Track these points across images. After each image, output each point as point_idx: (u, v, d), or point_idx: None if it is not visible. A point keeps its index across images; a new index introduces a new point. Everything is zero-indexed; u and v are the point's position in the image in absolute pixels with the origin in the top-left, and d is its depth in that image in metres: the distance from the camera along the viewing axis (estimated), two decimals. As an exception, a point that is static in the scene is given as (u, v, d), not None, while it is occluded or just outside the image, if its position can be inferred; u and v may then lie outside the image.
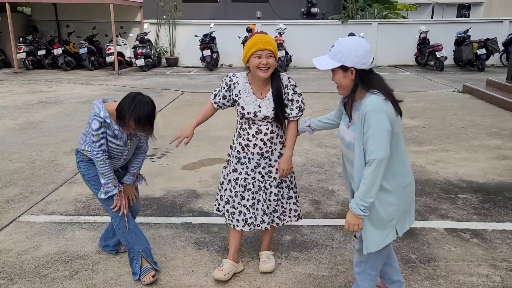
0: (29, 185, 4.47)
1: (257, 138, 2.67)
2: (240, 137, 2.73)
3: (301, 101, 2.70)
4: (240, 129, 2.74)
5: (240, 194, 2.75)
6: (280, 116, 2.64)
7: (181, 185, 4.45)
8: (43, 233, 3.47)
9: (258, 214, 2.76)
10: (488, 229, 3.47)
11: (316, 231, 3.48)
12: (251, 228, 2.78)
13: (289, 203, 2.87)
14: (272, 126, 2.67)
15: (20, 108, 8.26)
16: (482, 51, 13.24)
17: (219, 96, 2.76)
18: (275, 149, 2.73)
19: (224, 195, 2.88)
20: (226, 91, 2.73)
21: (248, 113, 2.64)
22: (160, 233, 3.48)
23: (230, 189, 2.81)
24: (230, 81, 2.71)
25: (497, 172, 4.75)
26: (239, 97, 2.67)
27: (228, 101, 2.76)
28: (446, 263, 2.99)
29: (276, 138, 2.71)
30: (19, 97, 9.45)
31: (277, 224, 2.84)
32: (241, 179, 2.74)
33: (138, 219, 3.70)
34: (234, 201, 2.78)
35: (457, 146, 5.72)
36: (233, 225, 2.81)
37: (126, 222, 2.81)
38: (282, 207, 2.84)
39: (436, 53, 13.55)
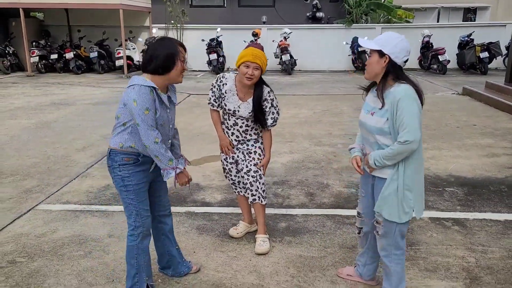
0: (45, 178, 4.81)
1: (234, 129, 3.18)
2: (223, 124, 3.27)
3: (277, 112, 3.16)
4: (223, 118, 3.27)
5: (235, 169, 3.29)
6: (258, 118, 3.09)
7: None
8: (59, 219, 3.79)
9: (245, 184, 3.25)
10: (470, 218, 3.73)
11: (309, 219, 3.76)
12: (247, 196, 3.28)
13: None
14: (247, 121, 3.13)
15: (34, 109, 8.64)
16: (485, 54, 13.41)
17: (213, 98, 3.18)
18: (250, 139, 3.21)
19: (226, 171, 3.39)
20: (218, 91, 3.14)
21: (229, 110, 3.12)
22: (166, 220, 3.78)
23: (225, 167, 3.36)
24: (220, 82, 3.14)
25: (485, 168, 5.00)
26: (225, 96, 3.12)
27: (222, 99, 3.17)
28: (427, 247, 3.25)
29: (251, 131, 3.19)
30: (33, 98, 9.85)
31: (261, 201, 3.22)
32: (229, 157, 3.29)
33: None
34: (230, 175, 3.34)
35: (450, 144, 5.96)
36: (238, 191, 3.38)
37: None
38: (263, 183, 3.22)
39: (439, 56, 13.75)
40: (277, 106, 3.15)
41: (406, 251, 3.16)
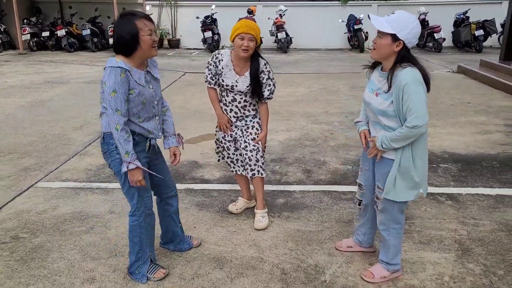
0: (42, 156, 4.83)
1: (232, 105, 3.19)
2: (221, 101, 3.27)
3: (273, 84, 3.18)
4: (221, 95, 3.27)
5: (234, 147, 3.32)
6: (255, 91, 3.10)
7: (184, 157, 4.77)
8: (59, 196, 3.84)
9: (243, 162, 3.30)
10: (463, 193, 3.82)
11: (306, 195, 3.84)
12: (246, 174, 3.30)
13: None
14: (245, 96, 3.15)
15: (27, 88, 8.58)
16: (480, 32, 13.40)
17: (210, 76, 3.19)
18: (249, 114, 3.24)
19: (220, 150, 3.43)
20: (214, 68, 3.15)
21: (227, 85, 3.12)
22: (165, 196, 3.84)
23: (222, 146, 3.38)
24: (216, 59, 3.14)
25: (478, 145, 5.08)
26: (222, 72, 3.13)
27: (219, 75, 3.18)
28: (421, 221, 3.35)
29: (249, 106, 3.21)
30: (26, 77, 9.76)
31: (261, 174, 3.25)
32: (227, 135, 3.28)
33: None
34: (228, 153, 3.37)
35: (444, 122, 6.03)
36: (235, 170, 3.42)
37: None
38: (262, 156, 3.25)
39: (435, 34, 13.72)
40: (273, 78, 3.17)
41: (401, 225, 3.28)
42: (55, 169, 4.46)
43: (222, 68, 3.12)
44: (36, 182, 4.13)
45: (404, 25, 2.20)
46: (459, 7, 15.07)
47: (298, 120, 6.24)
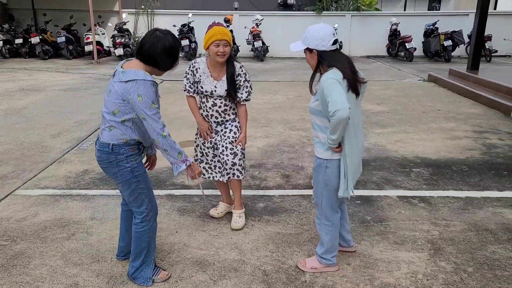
0: (20, 164, 4.77)
1: (213, 110, 3.27)
2: (201, 109, 3.33)
3: (250, 86, 3.30)
4: (201, 102, 3.34)
5: (212, 153, 3.38)
6: (232, 94, 3.21)
7: (164, 163, 4.77)
8: (38, 204, 3.81)
9: (221, 167, 3.40)
10: (434, 196, 4.01)
11: (285, 200, 3.94)
12: (223, 179, 3.40)
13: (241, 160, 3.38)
14: (225, 101, 3.25)
15: (1, 95, 8.41)
16: (449, 42, 13.93)
17: (188, 85, 3.29)
18: (229, 119, 3.33)
19: (198, 157, 3.48)
20: (192, 76, 3.26)
21: (206, 91, 3.23)
22: (146, 203, 3.87)
23: (201, 151, 3.44)
24: (193, 67, 3.27)
25: (448, 150, 5.31)
26: (200, 79, 3.24)
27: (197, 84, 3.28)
28: (396, 223, 3.49)
29: (229, 110, 3.31)
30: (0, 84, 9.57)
31: (237, 176, 3.35)
32: (208, 141, 3.37)
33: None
34: (207, 159, 3.43)
35: (416, 128, 6.27)
36: (213, 177, 3.46)
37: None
38: (239, 159, 3.33)
39: (406, 44, 14.18)
40: (249, 80, 3.29)
41: (376, 226, 3.42)
42: (34, 177, 4.43)
43: (200, 76, 3.23)
44: (14, 190, 4.09)
45: (309, 37, 2.51)
46: (428, 18, 15.64)
47: (276, 127, 6.36)
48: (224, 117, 3.31)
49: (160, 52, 2.40)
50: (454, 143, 5.58)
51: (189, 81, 3.28)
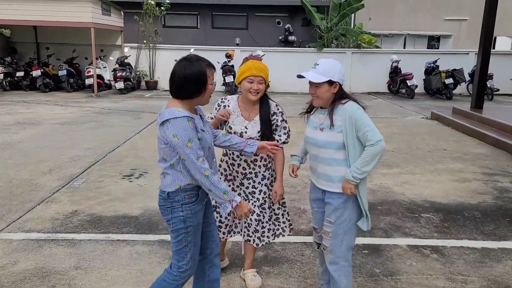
0: (6, 203, 4.51)
1: (241, 159, 2.85)
2: (226, 155, 2.93)
3: (288, 127, 2.92)
4: (226, 150, 2.89)
5: None
6: (267, 136, 2.80)
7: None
8: (20, 249, 3.53)
9: (238, 224, 3.00)
10: (447, 246, 3.72)
11: (287, 248, 3.66)
12: (231, 235, 3.01)
13: (271, 223, 3.01)
14: None
15: (-4, 129, 8.24)
16: (450, 80, 13.93)
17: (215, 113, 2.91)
18: (259, 171, 2.89)
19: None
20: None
21: (235, 133, 2.82)
22: (137, 249, 3.59)
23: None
24: (221, 102, 2.91)
25: (458, 193, 5.06)
26: (230, 117, 2.83)
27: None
28: (407, 277, 3.20)
29: (260, 161, 2.87)
30: (-4, 117, 9.41)
31: (256, 244, 2.95)
32: (234, 184, 2.94)
33: (114, 236, 3.83)
34: (221, 216, 2.94)
35: (423, 169, 6.04)
36: (219, 237, 2.92)
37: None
38: (262, 227, 2.97)
39: (407, 81, 14.19)
40: (287, 120, 2.90)
41: (386, 281, 3.13)
42: (19, 218, 4.15)
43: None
44: (-4, 233, 3.82)
45: (333, 70, 2.45)
46: (429, 56, 15.74)
47: (277, 165, 6.13)
48: (254, 168, 2.87)
49: (183, 78, 2.22)
50: (463, 186, 5.33)
51: (214, 114, 2.88)
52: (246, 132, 2.82)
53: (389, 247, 3.68)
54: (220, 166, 2.98)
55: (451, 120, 9.39)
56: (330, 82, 2.43)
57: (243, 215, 2.31)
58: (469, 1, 21.10)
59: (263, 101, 2.85)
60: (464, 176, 5.75)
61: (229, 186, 2.93)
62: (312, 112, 2.62)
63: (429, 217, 4.36)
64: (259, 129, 2.81)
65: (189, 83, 2.22)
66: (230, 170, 2.93)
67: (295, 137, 7.89)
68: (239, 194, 2.93)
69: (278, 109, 2.88)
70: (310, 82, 2.47)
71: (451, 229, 4.07)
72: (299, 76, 2.52)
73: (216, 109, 2.94)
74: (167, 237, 3.81)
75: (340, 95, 2.48)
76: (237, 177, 2.92)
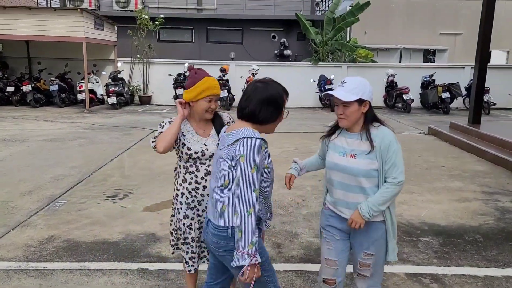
0: (-22, 228, 4.24)
1: (206, 180, 2.61)
2: (186, 182, 2.64)
3: None
4: (185, 173, 2.63)
5: (198, 237, 2.68)
6: None
7: (141, 228, 4.30)
8: (-14, 281, 3.25)
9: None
10: (448, 274, 3.46)
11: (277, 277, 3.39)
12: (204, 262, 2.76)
13: None
14: None
15: (-20, 146, 7.98)
16: (446, 94, 13.80)
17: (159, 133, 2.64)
18: None
19: (178, 243, 2.80)
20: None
21: (196, 153, 2.59)
22: (114, 280, 3.31)
23: (185, 237, 2.69)
24: (169, 123, 2.63)
25: (458, 214, 4.81)
26: (184, 138, 2.61)
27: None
28: (406, 311, 2.94)
29: None
30: (-18, 134, 9.16)
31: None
32: (195, 223, 2.68)
33: (91, 265, 3.56)
34: (192, 246, 2.69)
35: (420, 187, 5.80)
36: (195, 269, 2.73)
37: None
38: None
39: (404, 95, 14.05)
40: None
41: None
42: (-10, 245, 3.88)
43: (183, 134, 2.61)
44: (-38, 262, 3.54)
45: (362, 88, 2.30)
46: (424, 70, 15.65)
47: (269, 184, 5.88)
48: None
49: (257, 102, 2.07)
50: (463, 206, 5.09)
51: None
52: (207, 149, 2.60)
53: (386, 276, 3.41)
54: (180, 195, 2.68)
55: (449, 135, 9.20)
56: (360, 101, 2.28)
57: (249, 279, 1.95)
58: (464, 16, 21.18)
59: (215, 115, 2.69)
60: (464, 195, 5.51)
61: (194, 213, 2.65)
62: (336, 136, 2.46)
63: (428, 241, 4.10)
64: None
65: (268, 106, 2.08)
66: (193, 196, 2.63)
67: (289, 153, 7.70)
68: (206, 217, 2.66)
69: (230, 118, 2.75)
70: (337, 102, 2.31)
71: (451, 255, 3.81)
72: (327, 95, 2.39)
73: (161, 126, 2.66)
74: (147, 266, 3.54)
75: (373, 117, 2.35)
76: (203, 200, 2.64)
